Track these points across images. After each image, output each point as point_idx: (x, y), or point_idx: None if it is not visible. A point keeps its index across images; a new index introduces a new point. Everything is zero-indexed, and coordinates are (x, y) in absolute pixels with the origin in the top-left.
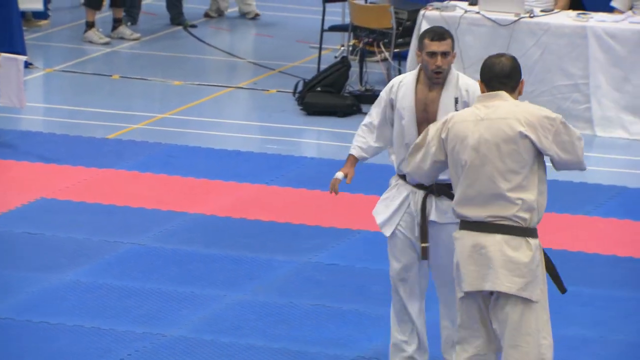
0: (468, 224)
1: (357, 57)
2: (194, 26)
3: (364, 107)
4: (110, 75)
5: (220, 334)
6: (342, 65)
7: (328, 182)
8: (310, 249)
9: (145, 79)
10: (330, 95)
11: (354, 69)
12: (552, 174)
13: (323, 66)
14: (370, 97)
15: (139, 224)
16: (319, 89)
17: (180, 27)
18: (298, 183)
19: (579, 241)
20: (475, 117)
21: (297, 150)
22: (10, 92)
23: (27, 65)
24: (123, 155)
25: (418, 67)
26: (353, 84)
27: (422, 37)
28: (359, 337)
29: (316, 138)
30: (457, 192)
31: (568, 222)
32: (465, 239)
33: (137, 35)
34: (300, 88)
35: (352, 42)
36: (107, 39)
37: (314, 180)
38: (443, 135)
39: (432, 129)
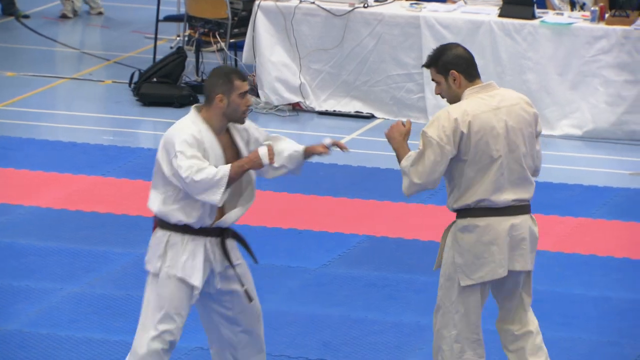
0: (494, 211)
1: (193, 48)
2: (27, 17)
3: (200, 98)
4: None
5: (57, 328)
6: (178, 56)
7: None
8: (148, 240)
9: None
10: (167, 85)
11: (190, 60)
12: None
13: (159, 57)
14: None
15: None
16: (155, 79)
17: (12, 18)
18: (135, 174)
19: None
20: (490, 107)
21: (134, 141)
22: None
23: None
24: None
25: (197, 114)
26: (189, 75)
27: (229, 78)
28: (198, 327)
29: (153, 129)
30: (484, 182)
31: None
32: (497, 225)
33: None
34: (136, 79)
35: (187, 32)
36: None
37: (150, 171)
38: (465, 130)
39: (435, 130)
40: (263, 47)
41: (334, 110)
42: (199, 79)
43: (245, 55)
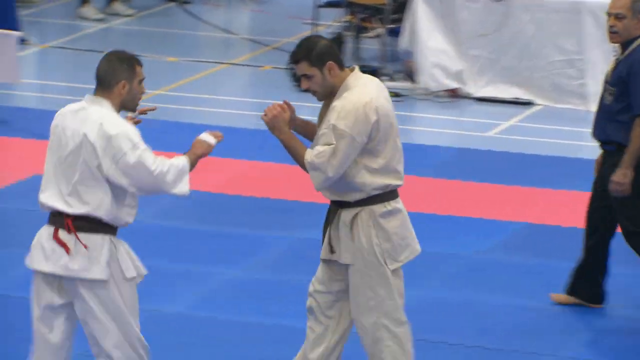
0: (395, 193)
1: (352, 33)
2: (187, 2)
3: None
4: (104, 52)
5: (216, 311)
6: (337, 42)
7: None
8: (305, 225)
9: (139, 55)
10: None
11: (349, 45)
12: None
13: None
14: (365, 73)
15: None
16: None
17: (174, 4)
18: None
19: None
20: (381, 90)
21: None
22: (4, 67)
23: (22, 41)
24: None
25: (109, 103)
26: (348, 60)
27: (131, 64)
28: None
29: (311, 114)
30: (389, 164)
31: (564, 198)
32: (403, 206)
33: (131, 11)
34: None
35: (347, 18)
36: (101, 15)
37: None
38: (375, 117)
39: (346, 122)
40: (422, 32)
41: (493, 97)
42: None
43: (404, 40)
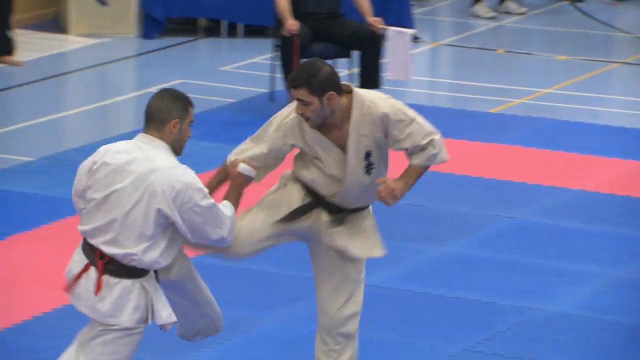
0: None
1: None
2: (581, 1)
3: None
4: (495, 50)
5: (602, 312)
6: None
7: None
8: None
9: (529, 54)
10: None
11: None
12: None
13: None
14: None
15: (520, 198)
16: None
17: (566, 2)
18: None
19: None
20: None
21: None
22: (398, 65)
23: (415, 39)
24: (506, 130)
25: (165, 145)
26: None
27: (185, 103)
28: None
29: None
30: None
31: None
32: None
33: (523, 9)
34: None
35: None
36: (493, 14)
37: None
38: None
39: (399, 112)
40: None
41: None
42: None
43: None
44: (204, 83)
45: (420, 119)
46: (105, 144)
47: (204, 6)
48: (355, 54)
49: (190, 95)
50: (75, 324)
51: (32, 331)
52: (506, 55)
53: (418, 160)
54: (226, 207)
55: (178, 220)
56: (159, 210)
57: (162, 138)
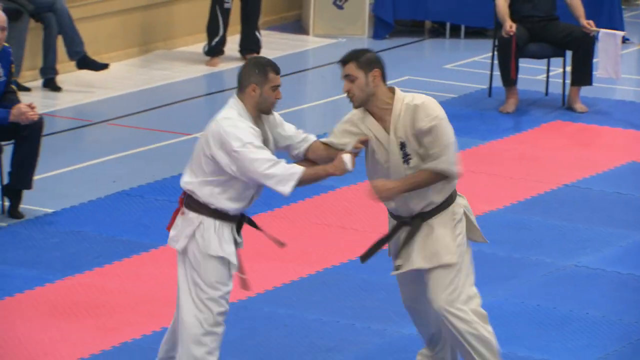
0: None
1: None
2: None
3: None
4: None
5: None
6: None
7: None
8: None
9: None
10: None
11: None
12: None
13: None
14: None
15: None
16: None
17: None
18: None
19: None
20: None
21: None
22: (608, 64)
23: (625, 40)
24: None
25: (240, 103)
26: None
27: (264, 70)
28: None
29: None
30: None
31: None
32: None
33: None
34: None
35: None
36: None
37: None
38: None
39: (442, 111)
40: None
41: None
42: None
43: None
44: (428, 80)
45: (446, 124)
46: None
47: (429, 9)
48: (568, 54)
49: (415, 91)
50: (308, 294)
51: (273, 299)
52: None
53: (429, 165)
54: (289, 166)
55: (221, 160)
56: (205, 152)
57: (242, 99)
